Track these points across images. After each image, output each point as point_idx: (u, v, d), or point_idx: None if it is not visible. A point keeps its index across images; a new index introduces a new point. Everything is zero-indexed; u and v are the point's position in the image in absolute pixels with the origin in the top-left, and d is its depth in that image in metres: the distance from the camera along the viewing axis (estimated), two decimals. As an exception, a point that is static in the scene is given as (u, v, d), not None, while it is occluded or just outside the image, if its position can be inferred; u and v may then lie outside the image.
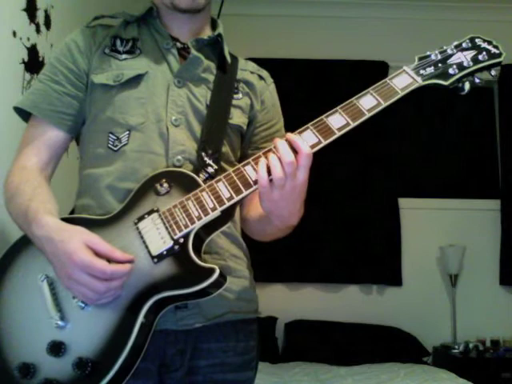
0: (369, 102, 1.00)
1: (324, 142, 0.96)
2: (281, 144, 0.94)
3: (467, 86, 1.04)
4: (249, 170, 0.97)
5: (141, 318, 0.92)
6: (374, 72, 3.75)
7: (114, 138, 1.08)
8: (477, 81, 1.04)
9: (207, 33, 1.21)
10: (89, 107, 1.12)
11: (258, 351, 1.15)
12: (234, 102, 1.16)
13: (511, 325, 3.55)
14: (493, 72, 1.05)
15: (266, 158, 0.95)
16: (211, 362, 1.06)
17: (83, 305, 0.94)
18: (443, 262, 3.71)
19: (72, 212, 1.12)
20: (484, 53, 1.04)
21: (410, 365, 3.02)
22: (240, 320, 1.10)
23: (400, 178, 3.87)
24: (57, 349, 0.92)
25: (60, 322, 0.93)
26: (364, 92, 1.01)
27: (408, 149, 3.96)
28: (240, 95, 1.18)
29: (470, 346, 3.35)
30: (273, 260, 3.65)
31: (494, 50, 1.05)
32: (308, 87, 3.85)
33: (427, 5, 3.91)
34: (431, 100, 3.84)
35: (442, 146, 4.00)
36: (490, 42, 1.06)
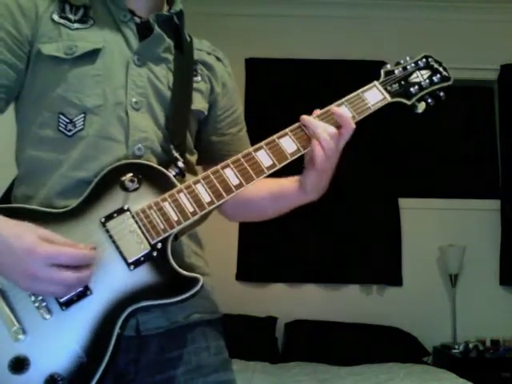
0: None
1: (302, 151, 0.99)
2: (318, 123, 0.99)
3: (422, 106, 1.08)
4: (229, 174, 0.93)
5: (117, 330, 0.85)
6: (373, 72, 3.73)
7: (67, 120, 0.94)
8: (429, 101, 1.09)
9: (165, 8, 1.08)
10: (31, 81, 0.97)
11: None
12: (195, 85, 1.06)
13: (511, 325, 3.55)
14: (441, 93, 1.10)
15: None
16: (186, 369, 0.97)
17: (48, 316, 0.84)
18: (443, 261, 3.71)
19: (8, 201, 0.96)
20: (438, 74, 1.09)
21: (409, 365, 3.02)
22: (205, 321, 1.02)
23: (400, 178, 3.87)
24: (19, 365, 0.82)
25: (21, 336, 0.83)
26: (339, 102, 1.04)
27: (408, 149, 3.96)
28: (199, 78, 1.08)
29: (470, 346, 3.34)
30: (273, 260, 3.64)
31: (444, 73, 1.10)
32: (308, 87, 3.84)
33: (427, 5, 3.91)
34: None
35: (442, 146, 4.00)
36: (440, 64, 1.11)
